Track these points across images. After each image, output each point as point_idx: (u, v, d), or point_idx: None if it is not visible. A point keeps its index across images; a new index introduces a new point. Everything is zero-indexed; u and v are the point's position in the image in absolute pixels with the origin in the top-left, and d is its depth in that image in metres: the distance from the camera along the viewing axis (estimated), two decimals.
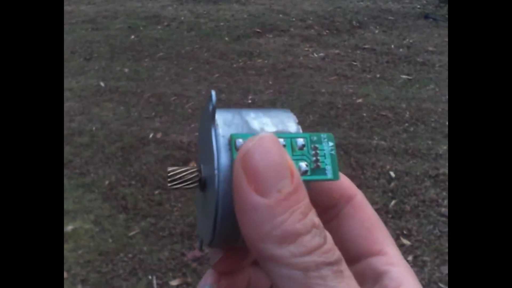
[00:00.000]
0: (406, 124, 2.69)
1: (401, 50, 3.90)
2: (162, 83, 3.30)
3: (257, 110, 0.26)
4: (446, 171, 2.24)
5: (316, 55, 3.81)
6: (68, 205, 2.02)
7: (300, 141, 0.24)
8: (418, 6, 5.32)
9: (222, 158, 0.23)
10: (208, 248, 0.27)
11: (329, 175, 0.25)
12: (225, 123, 0.24)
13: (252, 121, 0.25)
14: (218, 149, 0.23)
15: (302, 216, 0.21)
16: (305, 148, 0.24)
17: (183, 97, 3.06)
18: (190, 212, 1.98)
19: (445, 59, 3.65)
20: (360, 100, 2.99)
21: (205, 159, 0.25)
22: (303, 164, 0.24)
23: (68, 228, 1.89)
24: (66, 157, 2.37)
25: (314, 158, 0.24)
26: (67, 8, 5.22)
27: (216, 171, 0.23)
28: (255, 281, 0.30)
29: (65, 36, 4.25)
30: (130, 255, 1.77)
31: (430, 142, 2.50)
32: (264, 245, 0.21)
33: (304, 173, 0.24)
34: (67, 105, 2.94)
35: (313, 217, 0.21)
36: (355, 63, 3.63)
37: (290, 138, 0.24)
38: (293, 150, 0.24)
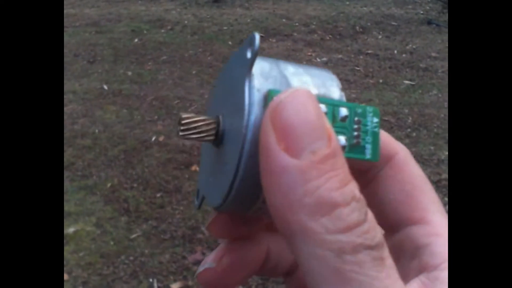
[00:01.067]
0: (409, 130, 2.69)
1: (404, 55, 3.90)
2: (165, 86, 3.30)
3: (296, 65, 0.23)
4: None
5: (319, 60, 3.82)
6: (70, 207, 2.02)
7: (343, 111, 0.21)
8: (421, 12, 5.33)
9: (254, 115, 0.20)
10: (213, 211, 0.23)
11: (368, 155, 0.22)
12: (262, 74, 0.21)
13: (291, 77, 0.22)
14: (250, 104, 0.20)
15: (341, 184, 0.18)
16: (347, 120, 0.21)
17: (186, 100, 3.07)
18: (192, 215, 1.98)
19: (447, 64, 3.65)
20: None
21: (229, 112, 0.22)
22: (342, 138, 0.21)
23: (70, 230, 1.89)
24: (68, 160, 2.38)
25: (355, 133, 0.22)
26: (70, 11, 5.24)
27: (244, 130, 0.20)
28: (275, 255, 0.26)
29: (68, 39, 4.26)
30: (131, 258, 1.77)
31: (432, 147, 2.50)
32: (293, 216, 0.18)
33: (342, 148, 0.20)
34: (70, 107, 2.95)
35: (354, 189, 0.18)
36: (358, 68, 3.64)
37: (332, 105, 0.21)
38: (334, 120, 0.21)
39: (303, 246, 0.18)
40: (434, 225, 0.23)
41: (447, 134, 2.63)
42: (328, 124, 0.19)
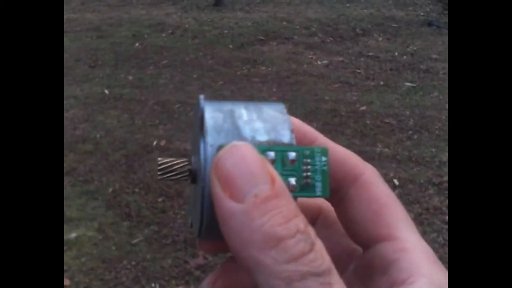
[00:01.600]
0: (410, 132, 2.69)
1: (404, 57, 3.90)
2: (166, 90, 3.31)
3: (251, 107, 0.24)
4: None
5: (319, 63, 3.82)
6: (71, 212, 2.03)
7: (292, 155, 0.23)
8: (422, 14, 5.33)
9: (208, 169, 0.22)
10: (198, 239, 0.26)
11: (318, 192, 0.24)
12: (215, 128, 0.23)
13: (243, 126, 0.24)
14: (205, 160, 0.22)
15: (284, 220, 0.20)
16: (296, 163, 0.23)
17: (187, 104, 3.07)
18: None
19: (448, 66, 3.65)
20: (363, 108, 2.99)
21: (196, 156, 0.24)
22: (292, 180, 0.23)
23: (72, 235, 1.90)
24: (70, 165, 2.38)
25: (304, 174, 0.23)
26: (72, 15, 5.26)
27: (201, 183, 0.22)
28: None
29: (69, 43, 4.27)
30: (133, 263, 1.77)
31: (433, 149, 2.50)
32: (246, 252, 0.20)
33: (293, 189, 0.23)
34: (71, 112, 2.96)
35: (299, 223, 0.20)
36: (358, 71, 3.64)
37: (281, 151, 0.23)
38: (283, 164, 0.23)
39: (259, 278, 0.19)
40: (401, 240, 0.24)
41: (448, 136, 2.63)
42: (271, 169, 0.21)
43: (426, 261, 0.23)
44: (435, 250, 1.91)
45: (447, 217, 1.94)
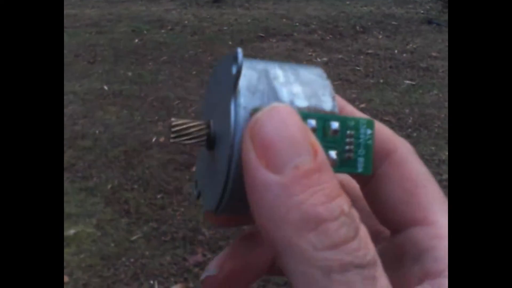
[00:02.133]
0: (409, 130, 2.69)
1: (404, 55, 3.90)
2: (165, 87, 3.30)
3: (286, 68, 0.22)
4: None
5: (319, 60, 3.81)
6: (70, 208, 2.02)
7: (335, 125, 0.21)
8: (422, 12, 5.32)
9: (239, 136, 0.19)
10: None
11: (360, 168, 0.21)
12: (248, 88, 0.20)
13: (280, 88, 0.21)
14: (236, 124, 0.20)
15: (327, 199, 0.17)
16: (338, 134, 0.21)
17: (187, 101, 3.07)
18: (193, 217, 1.98)
19: (448, 64, 3.65)
20: (363, 105, 2.98)
21: (219, 120, 0.21)
22: (332, 153, 0.21)
23: (70, 232, 1.89)
24: (68, 161, 2.38)
25: (347, 147, 0.21)
26: (71, 11, 5.24)
27: (229, 150, 0.20)
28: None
29: (68, 39, 4.26)
30: (132, 260, 1.77)
31: (433, 147, 2.50)
32: (278, 232, 0.17)
33: (333, 163, 0.20)
34: (70, 108, 2.95)
35: (343, 203, 0.17)
36: (358, 68, 3.63)
37: (323, 119, 0.21)
38: (324, 134, 0.21)
39: (291, 263, 0.17)
40: (437, 226, 0.21)
41: (447, 135, 2.63)
42: (313, 138, 0.18)
43: None
44: None
45: None
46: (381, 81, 3.39)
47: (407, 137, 2.61)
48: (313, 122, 0.20)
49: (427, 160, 2.37)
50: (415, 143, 2.54)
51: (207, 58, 3.86)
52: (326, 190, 0.17)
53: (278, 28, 4.65)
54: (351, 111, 0.24)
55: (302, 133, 0.18)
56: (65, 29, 4.47)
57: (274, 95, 0.21)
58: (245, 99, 0.20)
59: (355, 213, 0.18)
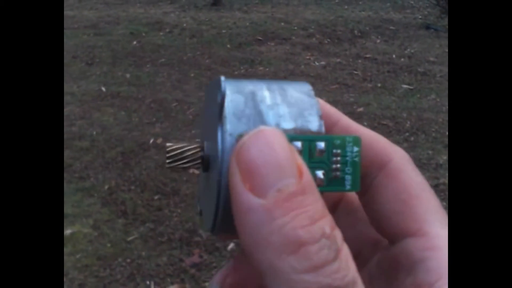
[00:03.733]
0: (407, 134, 2.69)
1: (402, 60, 3.91)
2: (163, 89, 3.30)
3: (274, 88, 0.22)
4: (447, 181, 2.24)
5: (317, 64, 3.82)
6: (67, 209, 2.02)
7: (321, 145, 0.21)
8: (420, 17, 5.34)
9: (226, 162, 0.20)
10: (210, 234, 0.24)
11: (348, 186, 0.22)
12: (235, 114, 0.21)
13: (267, 111, 0.21)
14: (223, 151, 0.20)
15: (309, 221, 0.17)
16: (325, 154, 0.21)
17: (184, 103, 3.07)
18: (190, 218, 1.97)
19: (446, 69, 3.66)
20: (361, 109, 2.99)
21: (211, 142, 0.22)
22: (320, 173, 0.21)
23: (67, 232, 1.89)
24: (66, 161, 2.37)
25: (333, 166, 0.21)
26: (69, 13, 5.24)
27: (218, 176, 0.20)
28: None
29: (67, 41, 4.26)
30: (128, 260, 1.76)
31: (430, 152, 2.50)
32: (261, 254, 0.17)
33: (320, 183, 0.21)
34: (68, 109, 2.95)
35: (325, 226, 0.18)
36: (356, 72, 3.64)
37: (308, 141, 0.21)
38: (311, 155, 0.21)
39: (273, 285, 0.17)
40: (431, 237, 0.21)
41: (445, 139, 2.63)
42: (299, 160, 0.18)
43: None
44: None
45: None
46: (379, 85, 3.40)
47: (405, 141, 2.61)
48: (299, 144, 0.21)
49: (425, 164, 2.38)
50: (412, 147, 2.55)
51: (205, 60, 3.87)
52: (309, 212, 0.18)
53: (276, 32, 4.66)
54: (347, 123, 0.24)
55: (288, 155, 0.18)
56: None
57: (260, 119, 0.21)
58: (231, 125, 0.20)
59: (337, 234, 0.18)
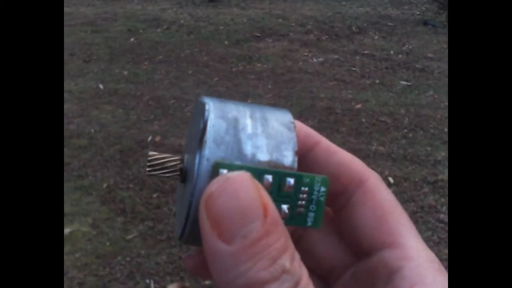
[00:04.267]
0: (405, 130, 2.69)
1: (400, 56, 3.91)
2: (161, 86, 3.29)
3: (257, 116, 0.23)
4: (445, 177, 2.24)
5: (315, 60, 3.82)
6: (65, 207, 2.01)
7: (290, 181, 0.22)
8: (417, 13, 5.34)
9: (200, 185, 0.21)
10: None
11: (309, 222, 0.23)
12: (215, 140, 0.22)
13: (246, 141, 0.22)
14: (198, 175, 0.21)
15: (270, 262, 0.19)
16: (293, 190, 0.22)
17: (182, 100, 3.06)
18: None
19: (444, 65, 3.66)
20: (359, 106, 2.99)
21: (190, 153, 0.23)
22: (285, 207, 0.22)
23: (66, 230, 1.88)
24: (64, 160, 2.36)
25: (299, 203, 0.23)
26: (66, 10, 5.22)
27: (190, 197, 0.21)
28: None
29: (64, 38, 4.24)
30: (127, 259, 1.76)
31: (428, 148, 2.50)
32: None
33: (284, 216, 0.22)
34: (65, 107, 2.94)
35: (285, 262, 0.19)
36: (354, 69, 3.64)
37: (279, 176, 0.22)
38: (279, 189, 0.22)
39: None
40: (406, 248, 0.23)
41: (443, 135, 2.63)
42: (266, 199, 0.20)
43: (431, 269, 0.22)
44: (430, 248, 1.91)
45: (441, 216, 1.94)
46: (377, 81, 3.40)
47: (403, 137, 2.61)
48: (270, 178, 0.22)
49: (423, 160, 2.38)
50: (411, 143, 2.55)
51: (203, 57, 3.86)
52: (272, 253, 0.19)
53: (274, 28, 4.65)
54: (327, 145, 0.26)
55: (253, 198, 0.19)
56: None
57: (238, 148, 0.22)
58: (209, 151, 0.22)
59: (296, 265, 0.20)
